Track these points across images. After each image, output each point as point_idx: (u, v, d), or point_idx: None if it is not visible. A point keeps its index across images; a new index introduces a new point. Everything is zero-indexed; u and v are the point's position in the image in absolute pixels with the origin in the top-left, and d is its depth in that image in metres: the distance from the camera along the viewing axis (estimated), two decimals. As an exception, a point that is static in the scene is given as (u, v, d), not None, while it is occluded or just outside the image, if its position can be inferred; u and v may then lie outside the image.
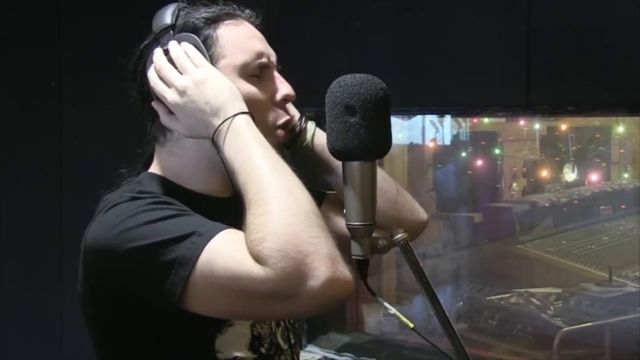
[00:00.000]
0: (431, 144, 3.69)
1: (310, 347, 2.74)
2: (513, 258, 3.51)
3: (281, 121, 1.16)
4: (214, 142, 1.05)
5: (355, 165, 0.97)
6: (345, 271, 0.93)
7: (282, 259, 0.90)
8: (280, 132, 1.16)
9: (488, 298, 3.26)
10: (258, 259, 0.92)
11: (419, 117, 3.46)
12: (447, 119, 3.55)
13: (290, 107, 1.22)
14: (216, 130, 1.04)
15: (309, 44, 2.43)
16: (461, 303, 3.33)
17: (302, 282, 0.90)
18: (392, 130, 0.99)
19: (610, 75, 2.02)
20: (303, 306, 0.93)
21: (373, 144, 0.96)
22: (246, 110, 1.05)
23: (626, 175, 3.60)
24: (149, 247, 0.98)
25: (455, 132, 3.73)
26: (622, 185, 3.60)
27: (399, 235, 0.99)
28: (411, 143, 3.63)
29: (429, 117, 3.49)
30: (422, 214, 1.30)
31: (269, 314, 1.03)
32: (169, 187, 1.14)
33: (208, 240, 0.97)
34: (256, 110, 1.08)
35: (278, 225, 0.92)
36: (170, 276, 0.97)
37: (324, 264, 0.91)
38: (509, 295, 3.23)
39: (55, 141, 2.82)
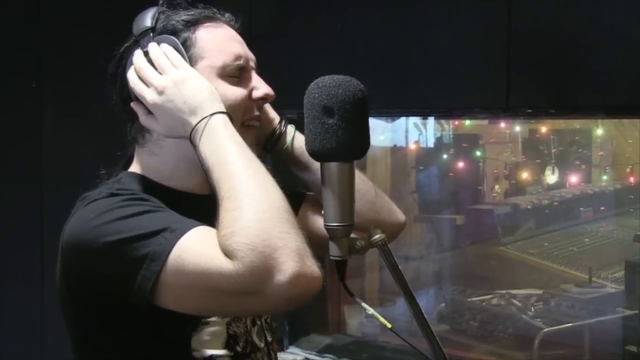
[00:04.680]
0: (414, 146, 3.70)
1: (291, 349, 2.74)
2: (495, 260, 3.52)
3: (247, 117, 1.16)
4: (191, 140, 1.05)
5: (333, 166, 0.97)
6: (313, 267, 0.94)
7: (251, 253, 0.91)
8: (247, 128, 1.17)
9: (470, 299, 3.27)
10: (227, 253, 0.92)
11: (402, 120, 3.46)
12: (430, 121, 3.56)
13: (270, 110, 1.23)
14: (193, 129, 1.05)
15: (290, 45, 2.43)
16: (443, 304, 3.33)
17: (269, 276, 0.91)
18: (370, 132, 0.99)
19: (589, 78, 2.04)
20: (272, 301, 0.93)
21: (351, 145, 0.96)
22: (224, 110, 1.06)
23: (605, 178, 3.63)
24: (122, 241, 0.99)
25: (437, 135, 3.73)
26: (602, 187, 3.63)
27: (377, 236, 1.00)
28: (394, 145, 3.63)
29: (412, 120, 3.50)
30: (400, 216, 1.32)
31: (239, 309, 1.03)
32: (148, 185, 1.15)
33: (180, 236, 0.97)
34: (234, 111, 1.10)
35: (248, 220, 0.93)
36: (141, 271, 0.97)
37: (292, 259, 0.92)
38: (490, 296, 3.23)
39: (36, 143, 2.80)
